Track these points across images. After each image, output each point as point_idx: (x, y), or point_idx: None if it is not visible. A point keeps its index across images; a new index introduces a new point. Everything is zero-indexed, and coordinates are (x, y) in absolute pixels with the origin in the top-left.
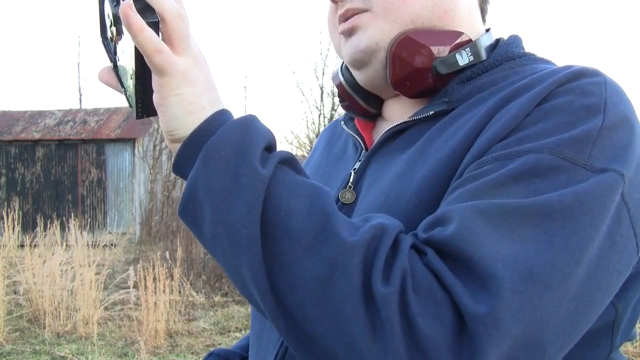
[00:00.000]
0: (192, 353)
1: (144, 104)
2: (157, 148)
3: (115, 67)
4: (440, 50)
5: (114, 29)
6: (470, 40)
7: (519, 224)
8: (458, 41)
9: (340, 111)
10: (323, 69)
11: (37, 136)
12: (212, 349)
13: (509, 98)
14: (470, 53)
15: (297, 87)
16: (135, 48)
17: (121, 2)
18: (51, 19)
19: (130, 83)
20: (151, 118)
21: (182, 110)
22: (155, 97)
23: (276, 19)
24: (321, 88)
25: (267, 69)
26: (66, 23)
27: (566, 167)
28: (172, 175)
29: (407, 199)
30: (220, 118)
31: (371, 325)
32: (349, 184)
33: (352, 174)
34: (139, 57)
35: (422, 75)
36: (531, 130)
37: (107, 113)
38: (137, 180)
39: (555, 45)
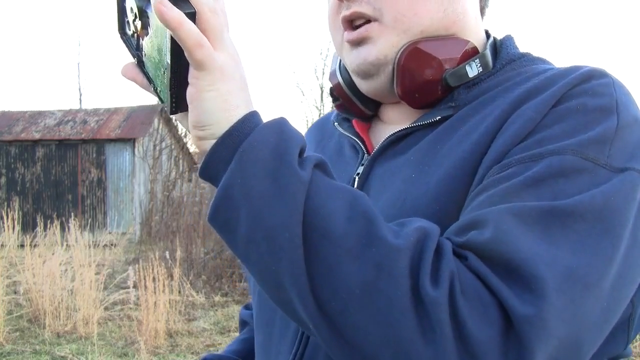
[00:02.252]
0: (192, 353)
1: (178, 98)
2: (157, 148)
3: (140, 63)
4: (450, 61)
5: (138, 23)
6: (475, 48)
7: (552, 226)
8: (465, 49)
9: None
10: (323, 69)
11: (37, 136)
12: (211, 349)
13: (521, 100)
14: (479, 64)
15: (297, 87)
16: (172, 41)
17: None
18: (51, 19)
19: (164, 78)
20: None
21: (216, 106)
22: (190, 91)
23: (276, 18)
24: (321, 88)
25: (267, 69)
26: (66, 23)
27: (588, 167)
28: (172, 175)
29: (425, 204)
30: (252, 119)
31: (421, 329)
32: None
33: (356, 179)
34: (176, 51)
35: (432, 87)
36: (549, 132)
37: (107, 113)
38: (137, 180)
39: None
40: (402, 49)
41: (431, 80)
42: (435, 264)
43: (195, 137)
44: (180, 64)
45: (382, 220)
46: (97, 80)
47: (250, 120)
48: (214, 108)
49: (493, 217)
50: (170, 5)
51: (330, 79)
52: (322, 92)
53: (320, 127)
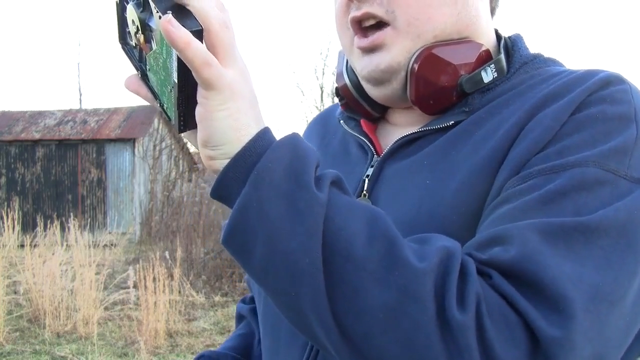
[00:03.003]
0: (192, 353)
1: (186, 117)
2: (157, 148)
3: (144, 76)
4: (465, 67)
5: (140, 36)
6: (488, 51)
7: (576, 243)
8: (480, 53)
9: None
10: (323, 69)
11: (37, 136)
12: (211, 349)
13: (538, 107)
14: (494, 69)
15: (297, 87)
16: (179, 60)
17: (153, 10)
18: (51, 20)
19: (171, 96)
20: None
21: (226, 126)
22: (199, 111)
23: (276, 18)
24: (321, 88)
25: (267, 69)
26: (66, 23)
27: (610, 179)
28: (172, 175)
29: (442, 214)
30: (264, 137)
31: (447, 353)
32: (364, 192)
33: (366, 180)
34: (183, 69)
35: (447, 94)
36: (569, 142)
37: (107, 113)
38: (137, 180)
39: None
40: (415, 55)
41: (446, 87)
42: (461, 286)
43: (206, 157)
44: (187, 83)
45: (402, 240)
46: (97, 80)
47: (262, 139)
48: (225, 127)
49: (517, 233)
50: (177, 24)
51: (337, 81)
52: (322, 92)
53: (323, 122)
